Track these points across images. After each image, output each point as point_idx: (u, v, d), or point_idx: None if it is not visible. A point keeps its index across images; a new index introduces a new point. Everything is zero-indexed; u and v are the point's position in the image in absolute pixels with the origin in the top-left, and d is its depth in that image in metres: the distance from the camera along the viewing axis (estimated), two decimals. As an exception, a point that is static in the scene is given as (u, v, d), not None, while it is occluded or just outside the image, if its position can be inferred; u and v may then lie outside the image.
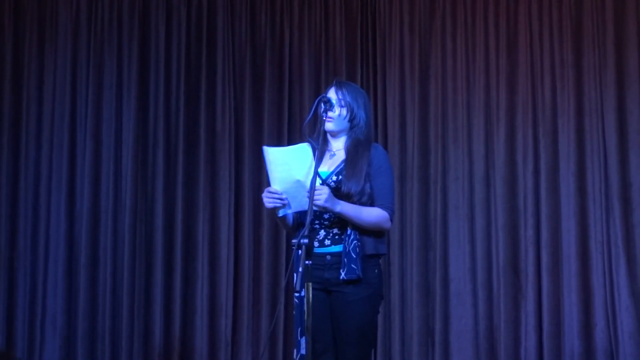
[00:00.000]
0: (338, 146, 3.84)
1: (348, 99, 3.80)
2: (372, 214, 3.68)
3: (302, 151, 3.58)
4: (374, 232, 3.72)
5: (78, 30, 6.57)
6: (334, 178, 3.73)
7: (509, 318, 6.07)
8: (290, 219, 3.83)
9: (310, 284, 3.37)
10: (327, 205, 3.56)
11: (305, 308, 3.38)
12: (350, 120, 3.80)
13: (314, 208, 3.54)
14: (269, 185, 3.67)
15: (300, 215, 3.78)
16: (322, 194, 3.54)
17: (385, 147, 6.20)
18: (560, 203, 6.07)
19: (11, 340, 6.35)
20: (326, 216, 3.71)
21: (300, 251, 3.36)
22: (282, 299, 6.19)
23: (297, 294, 3.55)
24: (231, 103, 6.50)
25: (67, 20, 6.58)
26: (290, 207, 3.68)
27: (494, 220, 6.16)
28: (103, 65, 6.52)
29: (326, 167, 3.79)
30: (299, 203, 3.64)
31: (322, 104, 3.74)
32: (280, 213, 3.71)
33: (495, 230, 6.15)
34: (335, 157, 3.82)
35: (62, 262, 6.34)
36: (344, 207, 3.63)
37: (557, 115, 6.15)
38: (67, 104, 6.48)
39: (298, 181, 3.58)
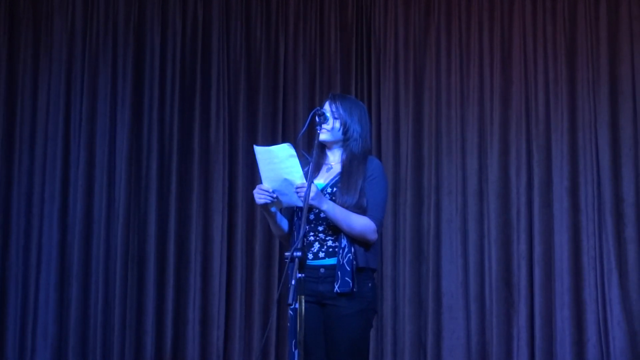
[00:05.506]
0: (335, 159, 3.87)
1: (341, 111, 3.83)
2: (359, 222, 3.68)
3: (284, 151, 3.61)
4: (365, 245, 3.71)
5: (73, 41, 6.57)
6: (329, 190, 3.75)
7: (501, 333, 6.06)
8: (285, 226, 3.85)
9: (302, 297, 3.36)
10: (314, 202, 3.57)
11: (298, 321, 3.38)
12: (344, 133, 3.82)
13: (301, 204, 3.56)
14: (261, 182, 3.72)
15: (296, 216, 3.81)
16: (310, 192, 3.55)
17: (379, 160, 6.19)
18: (553, 218, 6.08)
19: (1, 350, 6.31)
20: (320, 228, 3.72)
21: (293, 264, 3.35)
22: (274, 311, 6.18)
23: (290, 307, 3.54)
24: (225, 114, 6.50)
25: (62, 30, 6.57)
26: (280, 204, 3.75)
27: (486, 235, 6.17)
28: (98, 76, 6.52)
29: (322, 180, 3.82)
30: (289, 199, 3.69)
31: (317, 117, 3.76)
32: (272, 210, 3.77)
33: (488, 245, 6.15)
34: (331, 170, 3.85)
35: (54, 271, 6.32)
36: (330, 207, 3.64)
37: (550, 130, 6.17)
38: (61, 114, 6.48)
39: (285, 179, 3.62)
